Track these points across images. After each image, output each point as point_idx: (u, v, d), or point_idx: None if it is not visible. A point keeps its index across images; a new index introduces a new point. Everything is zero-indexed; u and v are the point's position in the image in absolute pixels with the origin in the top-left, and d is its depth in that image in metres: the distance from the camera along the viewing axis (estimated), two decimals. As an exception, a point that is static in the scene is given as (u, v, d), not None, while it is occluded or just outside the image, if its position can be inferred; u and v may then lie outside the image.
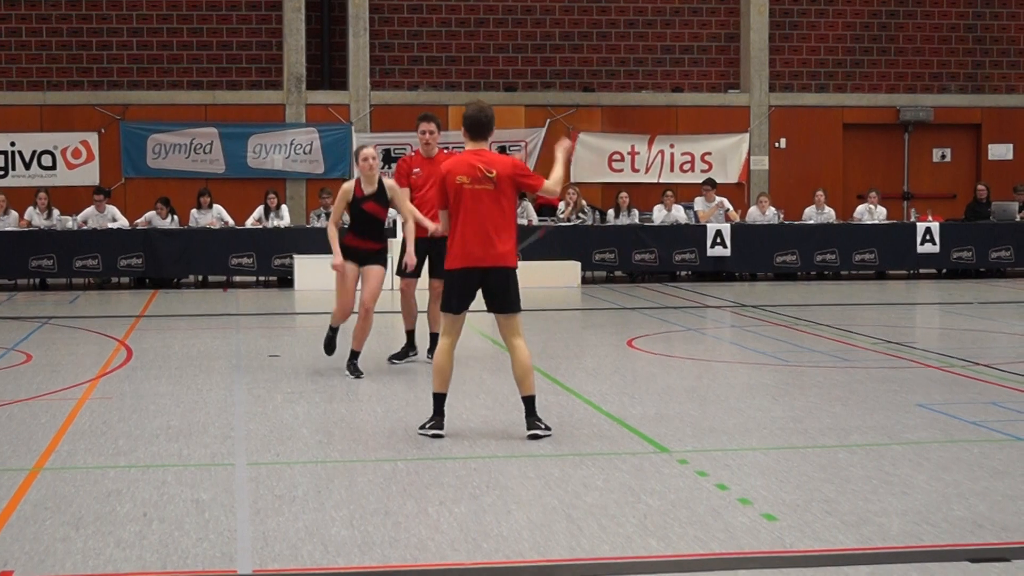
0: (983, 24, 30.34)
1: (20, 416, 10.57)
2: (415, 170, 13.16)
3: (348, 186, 12.60)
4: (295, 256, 22.86)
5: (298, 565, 6.52)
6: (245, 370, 13.13)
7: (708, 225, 24.22)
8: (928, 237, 24.57)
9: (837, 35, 29.92)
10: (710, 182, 25.57)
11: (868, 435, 9.66)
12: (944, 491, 7.94)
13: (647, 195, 26.46)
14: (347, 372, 12.77)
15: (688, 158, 28.77)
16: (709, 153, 28.83)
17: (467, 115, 9.71)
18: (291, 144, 27.52)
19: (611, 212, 25.23)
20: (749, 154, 28.97)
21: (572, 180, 27.50)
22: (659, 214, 25.04)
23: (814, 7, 29.81)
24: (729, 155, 28.97)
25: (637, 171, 28.56)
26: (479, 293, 9.70)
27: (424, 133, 13.02)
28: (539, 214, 25.09)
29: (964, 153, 30.25)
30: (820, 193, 25.54)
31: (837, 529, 7.12)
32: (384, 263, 13.01)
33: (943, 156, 30.14)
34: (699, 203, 25.23)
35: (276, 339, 16.39)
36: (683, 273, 24.39)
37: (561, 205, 25.36)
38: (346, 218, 12.89)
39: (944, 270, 25.37)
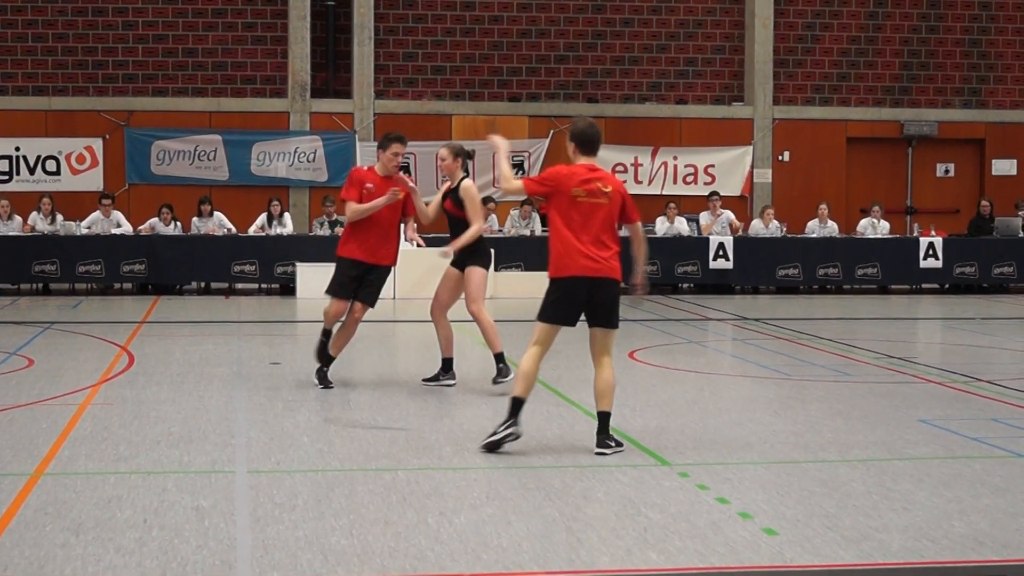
0: (987, 39, 30.36)
1: (21, 421, 10.57)
2: (368, 185, 12.59)
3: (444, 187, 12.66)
4: (297, 264, 22.88)
5: (297, 574, 6.50)
6: (246, 377, 13.13)
7: (711, 238, 24.22)
8: (931, 252, 24.57)
9: (841, 49, 29.94)
10: (716, 195, 25.57)
11: (869, 450, 9.65)
12: (945, 507, 7.93)
13: (650, 207, 26.42)
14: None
15: (691, 170, 28.78)
16: (712, 165, 28.85)
17: (578, 130, 9.66)
18: (295, 152, 27.54)
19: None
20: (752, 167, 28.99)
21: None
22: (662, 226, 25.05)
23: (819, 20, 29.84)
24: (732, 168, 28.99)
25: (640, 183, 28.56)
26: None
27: (397, 155, 12.60)
28: (543, 224, 25.10)
29: (968, 168, 30.26)
30: (823, 207, 25.55)
31: (838, 544, 7.11)
32: (482, 263, 12.77)
33: (947, 171, 30.15)
34: (704, 216, 25.23)
35: (277, 347, 16.39)
36: (685, 285, 24.39)
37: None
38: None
39: (947, 285, 25.37)
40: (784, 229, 25.41)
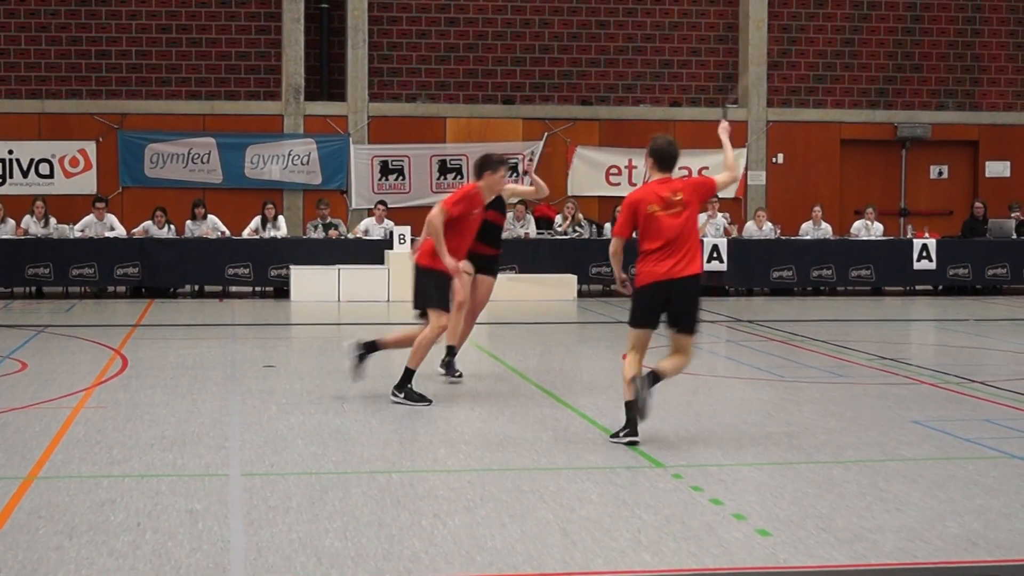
0: (981, 41, 30.39)
1: (15, 424, 10.56)
2: (475, 211, 12.35)
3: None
4: (291, 267, 22.88)
5: (291, 576, 6.53)
6: (240, 380, 13.12)
7: (704, 240, 24.23)
8: (925, 254, 24.59)
9: (835, 51, 29.96)
10: (714, 197, 25.58)
11: (863, 451, 9.66)
12: (938, 508, 7.94)
13: (644, 209, 26.43)
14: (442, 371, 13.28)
15: (685, 172, 28.72)
16: (707, 168, 28.81)
17: (657, 147, 10.10)
18: (289, 155, 27.54)
19: (608, 226, 25.23)
20: (747, 169, 28.99)
21: (569, 194, 27.56)
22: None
23: (812, 23, 29.86)
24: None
25: (634, 185, 28.53)
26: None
27: (505, 178, 12.64)
28: (537, 227, 25.11)
29: (961, 170, 30.29)
30: (817, 209, 25.57)
31: (831, 545, 7.12)
32: (496, 273, 13.44)
33: (940, 173, 30.18)
34: (701, 218, 25.27)
35: (272, 350, 16.38)
36: (679, 287, 24.38)
37: (559, 218, 25.39)
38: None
39: (940, 287, 25.39)
40: (778, 231, 25.42)
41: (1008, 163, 30.00)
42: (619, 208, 11.26)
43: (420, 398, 11.75)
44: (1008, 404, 11.81)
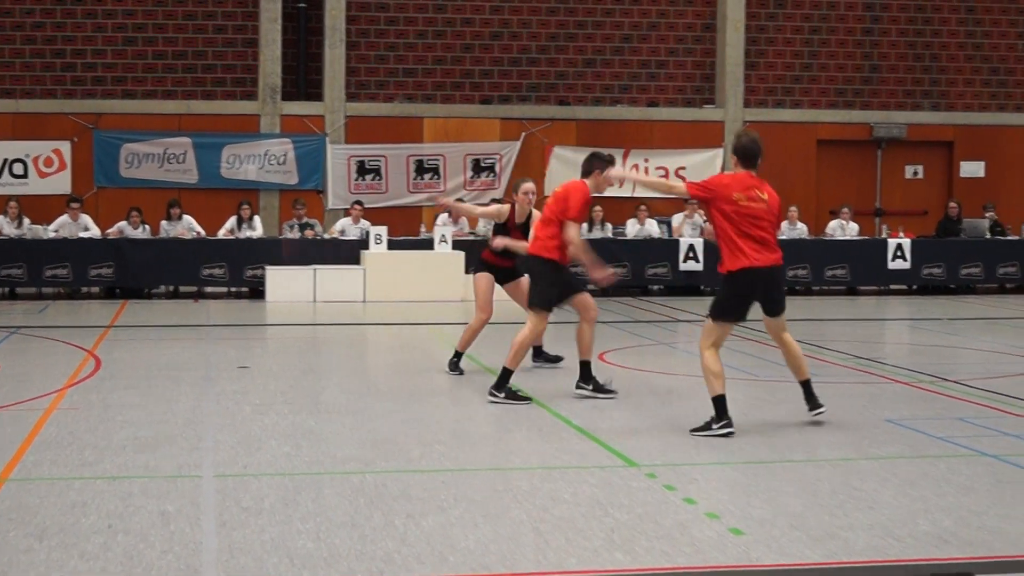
0: (956, 42, 30.48)
1: (-13, 426, 10.52)
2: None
3: (505, 209, 13.51)
4: (267, 267, 22.82)
5: (263, 577, 6.51)
6: (214, 381, 13.09)
7: (681, 240, 24.27)
8: (899, 253, 24.66)
9: (812, 51, 30.01)
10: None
11: (836, 450, 9.69)
12: (910, 506, 7.96)
13: (621, 209, 26.49)
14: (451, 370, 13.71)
15: (662, 172, 28.81)
16: (684, 168, 28.86)
17: (740, 145, 10.52)
18: (265, 155, 27.48)
19: (584, 226, 25.24)
20: (723, 169, 29.00)
21: (546, 194, 27.51)
22: (632, 228, 25.09)
23: (790, 23, 29.91)
24: (703, 170, 28.91)
25: (611, 185, 28.49)
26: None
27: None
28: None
29: (936, 170, 30.37)
30: (793, 209, 25.61)
31: (803, 544, 7.13)
32: (522, 273, 13.65)
33: (915, 173, 30.25)
34: (677, 219, 25.32)
35: (246, 350, 16.34)
36: (655, 287, 24.43)
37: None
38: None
39: (915, 286, 25.46)
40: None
41: (982, 163, 30.09)
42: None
43: (520, 397, 11.88)
44: (981, 403, 11.86)
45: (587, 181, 12.36)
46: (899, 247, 24.67)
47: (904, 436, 10.27)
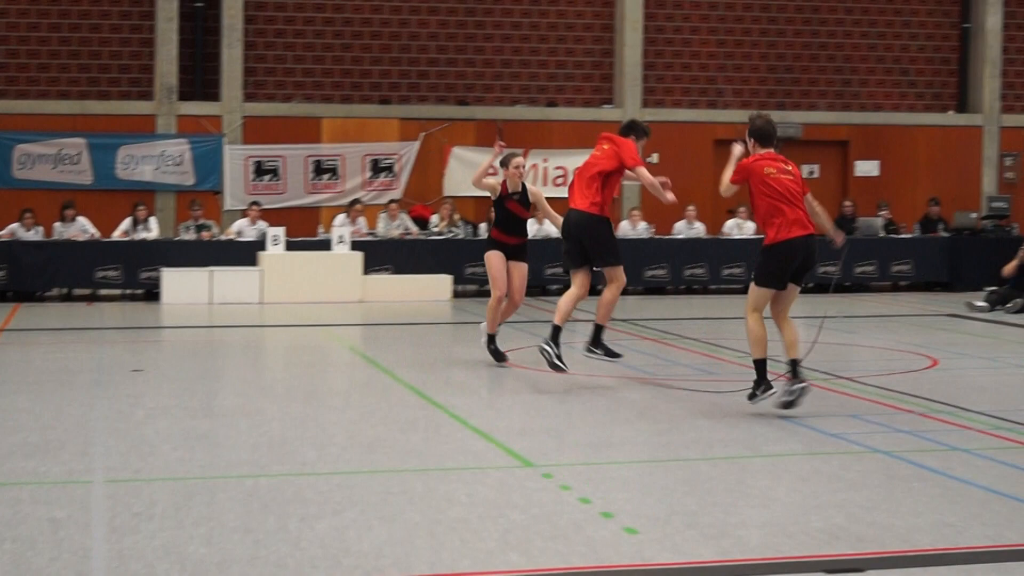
0: (851, 42, 30.84)
1: None
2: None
3: (495, 181, 14.33)
4: (163, 269, 22.57)
5: (153, 583, 6.43)
6: (107, 385, 12.92)
7: (580, 239, 24.30)
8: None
9: (710, 52, 30.23)
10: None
11: (730, 448, 9.75)
12: (803, 503, 8.04)
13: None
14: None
15: (562, 172, 28.87)
16: (582, 168, 28.92)
17: (755, 127, 11.21)
18: (161, 155, 27.18)
19: (484, 226, 25.25)
20: (620, 169, 29.12)
21: (445, 194, 27.52)
22: (532, 228, 25.10)
23: (687, 24, 30.10)
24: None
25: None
26: None
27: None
28: (419, 226, 25.03)
29: (832, 169, 30.70)
30: (691, 208, 25.79)
31: (697, 542, 7.17)
32: (526, 259, 14.59)
33: (811, 172, 30.53)
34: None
35: (141, 353, 16.15)
36: (555, 287, 24.46)
37: (435, 218, 25.36)
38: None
39: (811, 284, 25.69)
40: (652, 230, 25.59)
41: (877, 162, 30.46)
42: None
43: (614, 353, 13.12)
44: (874, 400, 12.00)
45: (637, 142, 13.24)
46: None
47: (798, 433, 10.37)
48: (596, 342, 13.28)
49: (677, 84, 30.14)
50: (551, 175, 28.77)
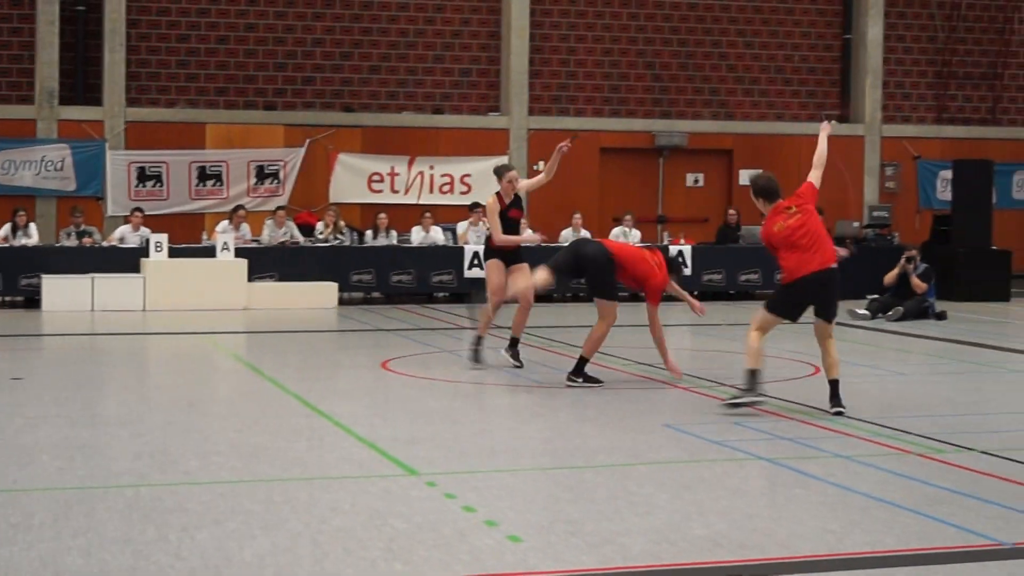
0: (735, 52, 31.17)
1: None
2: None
3: (493, 202, 14.92)
4: (43, 276, 22.21)
5: (29, 596, 6.32)
6: (-15, 394, 12.69)
7: (466, 247, 24.34)
8: (681, 260, 25.07)
9: (596, 60, 30.39)
10: (478, 205, 25.73)
11: (615, 455, 9.80)
12: (685, 510, 8.08)
13: (406, 216, 26.48)
14: (509, 358, 14.80)
15: (448, 180, 28.87)
16: (469, 175, 28.97)
17: (759, 187, 11.97)
18: (42, 160, 26.76)
19: (369, 233, 25.17)
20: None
21: (331, 201, 27.38)
22: (417, 235, 25.09)
23: (573, 32, 30.24)
24: (489, 177, 29.01)
25: (397, 192, 28.52)
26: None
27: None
28: (303, 234, 24.86)
29: (716, 178, 30.99)
30: (577, 216, 25.89)
31: (580, 550, 7.19)
32: (523, 260, 15.03)
33: (696, 181, 30.83)
34: (462, 226, 25.37)
35: (20, 361, 15.88)
36: (440, 295, 24.45)
37: (320, 225, 25.21)
38: None
39: (696, 292, 25.86)
40: (540, 238, 25.64)
41: (761, 171, 30.74)
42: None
43: (595, 380, 13.50)
44: (756, 407, 12.09)
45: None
46: (680, 253, 25.10)
47: (681, 441, 10.44)
48: (577, 371, 13.67)
49: (563, 92, 30.26)
50: (437, 182, 28.75)
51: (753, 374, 11.58)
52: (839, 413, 11.54)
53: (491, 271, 15.02)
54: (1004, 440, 10.71)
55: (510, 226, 14.98)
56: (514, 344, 14.95)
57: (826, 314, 11.72)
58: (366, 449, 10.00)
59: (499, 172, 15.19)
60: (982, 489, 8.74)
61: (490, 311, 14.89)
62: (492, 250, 15.08)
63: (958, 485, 8.88)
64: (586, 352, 13.60)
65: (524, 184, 15.40)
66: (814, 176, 12.14)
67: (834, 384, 11.72)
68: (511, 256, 15.00)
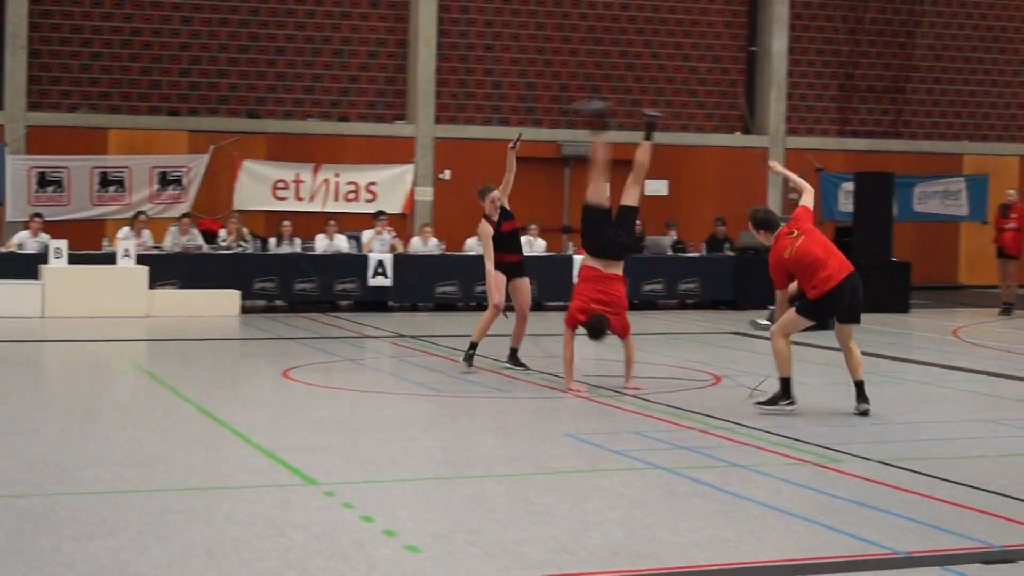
0: (642, 63, 31.34)
1: None
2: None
3: (483, 224, 15.19)
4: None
5: (-86, 609, 6.21)
6: None
7: (370, 255, 24.25)
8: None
9: (503, 69, 30.43)
10: (383, 214, 25.66)
11: (515, 465, 9.79)
12: (584, 519, 8.10)
13: (311, 224, 26.32)
14: (509, 365, 15.35)
15: (353, 187, 28.77)
16: (375, 183, 28.90)
17: (760, 218, 12.67)
18: (-61, 165, 26.35)
19: (273, 240, 25.01)
20: (414, 185, 29.16)
21: (235, 208, 27.19)
22: (322, 243, 24.96)
23: (480, 41, 30.27)
24: (394, 185, 29.10)
25: (301, 199, 28.39)
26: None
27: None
28: (206, 240, 24.63)
29: (623, 188, 31.02)
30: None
31: (478, 559, 7.17)
32: (526, 274, 15.62)
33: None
34: (367, 234, 25.26)
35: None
36: (344, 303, 24.35)
37: (222, 232, 25.01)
38: None
39: (636, 301, 25.98)
40: (444, 247, 25.66)
41: (666, 182, 30.96)
42: None
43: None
44: (657, 416, 12.16)
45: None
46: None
47: (582, 450, 10.46)
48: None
49: (470, 101, 30.27)
50: (343, 190, 28.64)
51: (786, 382, 12.35)
52: (865, 412, 12.23)
53: (490, 281, 15.26)
54: (899, 450, 10.83)
55: (508, 241, 15.31)
56: (514, 354, 15.51)
57: (854, 317, 12.50)
58: (264, 458, 9.93)
59: (482, 194, 15.50)
60: (877, 498, 8.84)
61: (487, 319, 15.28)
62: (495, 262, 15.33)
63: (853, 494, 8.97)
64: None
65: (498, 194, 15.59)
66: (806, 200, 12.71)
67: (859, 385, 12.40)
68: (516, 268, 15.39)
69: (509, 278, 15.33)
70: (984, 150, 33.75)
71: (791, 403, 12.36)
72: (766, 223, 12.61)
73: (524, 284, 15.51)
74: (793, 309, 12.42)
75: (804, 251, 12.14)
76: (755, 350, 18.45)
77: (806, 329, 12.48)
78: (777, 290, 12.53)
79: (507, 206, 15.41)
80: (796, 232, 12.26)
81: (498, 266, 15.22)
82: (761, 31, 31.93)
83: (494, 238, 15.25)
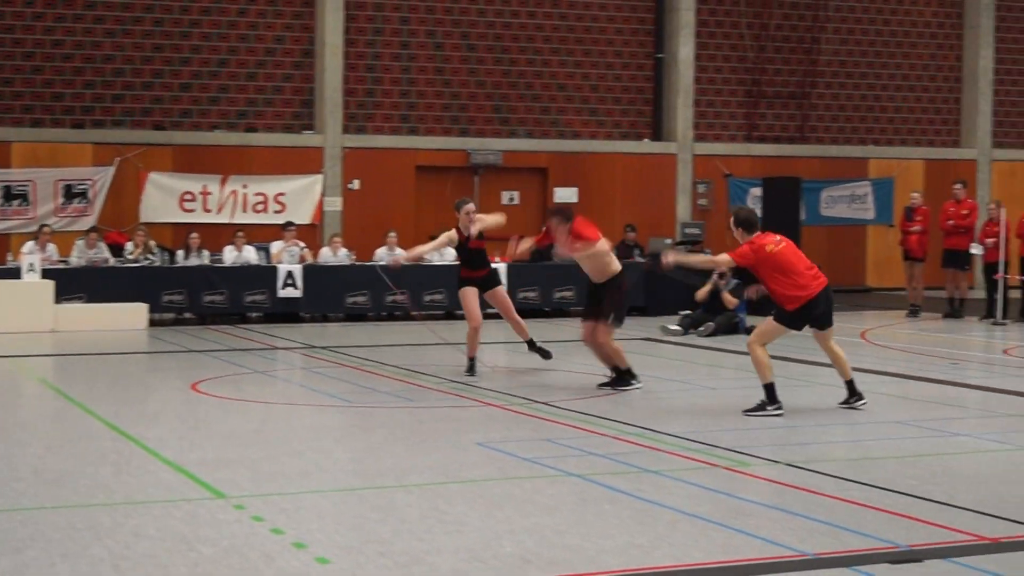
0: (550, 71, 31.41)
1: None
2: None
3: (452, 233, 15.77)
4: None
5: None
6: None
7: (279, 266, 24.10)
8: (500, 277, 25.12)
9: (411, 78, 30.37)
10: (292, 224, 25.51)
11: (426, 475, 9.76)
12: (496, 528, 8.09)
13: (219, 236, 26.11)
14: (539, 356, 16.30)
15: (261, 198, 28.58)
16: (283, 194, 28.73)
17: (742, 218, 13.12)
18: None
19: (180, 253, 24.79)
20: (323, 195, 29.02)
21: (141, 220, 26.91)
22: (230, 255, 24.76)
23: (388, 50, 30.18)
24: (303, 196, 28.94)
25: (209, 211, 28.15)
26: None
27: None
28: (113, 254, 24.34)
29: (532, 195, 31.17)
30: (392, 234, 25.81)
31: (389, 570, 7.14)
32: (500, 281, 16.43)
33: (511, 199, 30.95)
34: (276, 246, 25.09)
35: None
36: (254, 315, 24.18)
37: (129, 246, 24.75)
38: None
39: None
40: (353, 257, 25.55)
41: (576, 189, 31.04)
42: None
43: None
44: (568, 423, 12.18)
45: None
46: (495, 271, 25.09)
47: (493, 459, 10.44)
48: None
49: (378, 110, 30.19)
50: (251, 201, 28.44)
51: (770, 388, 12.68)
52: (861, 407, 13.08)
53: (465, 299, 15.83)
54: (808, 452, 10.93)
55: (471, 256, 15.87)
56: (532, 345, 16.30)
57: (828, 322, 12.97)
58: (173, 472, 9.83)
59: (457, 207, 16.04)
60: (787, 501, 8.91)
61: (471, 334, 15.81)
62: (463, 279, 15.95)
63: (763, 498, 9.03)
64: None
65: (486, 223, 15.98)
66: (723, 258, 13.32)
67: (850, 384, 13.16)
68: (486, 281, 16.02)
69: (482, 291, 15.93)
70: (889, 154, 34.16)
71: (778, 408, 12.69)
72: (747, 223, 13.07)
73: (499, 291, 16.15)
74: (771, 318, 12.90)
75: (785, 256, 12.75)
76: (666, 355, 18.56)
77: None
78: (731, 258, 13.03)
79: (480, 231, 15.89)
80: (779, 238, 12.97)
81: (469, 281, 15.88)
82: (668, 38, 32.11)
83: (461, 252, 15.94)
